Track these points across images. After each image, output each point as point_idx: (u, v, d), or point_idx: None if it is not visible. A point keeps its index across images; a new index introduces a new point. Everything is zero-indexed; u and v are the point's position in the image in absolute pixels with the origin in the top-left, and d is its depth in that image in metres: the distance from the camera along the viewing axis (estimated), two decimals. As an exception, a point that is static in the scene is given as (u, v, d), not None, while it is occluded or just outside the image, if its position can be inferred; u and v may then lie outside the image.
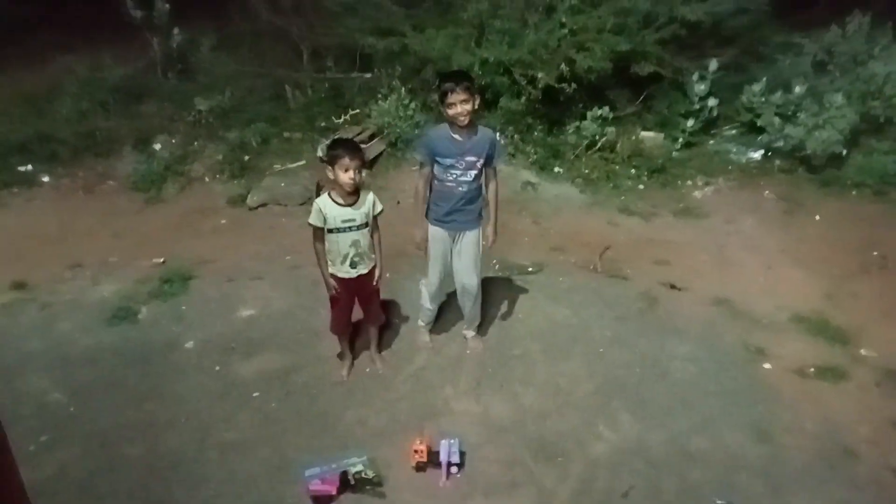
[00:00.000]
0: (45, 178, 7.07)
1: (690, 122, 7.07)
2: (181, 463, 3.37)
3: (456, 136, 3.63)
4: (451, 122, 3.61)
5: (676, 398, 3.88)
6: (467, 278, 4.00)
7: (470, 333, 4.28)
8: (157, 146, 7.49)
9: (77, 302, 4.77)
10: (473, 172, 3.70)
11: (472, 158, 3.66)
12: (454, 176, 3.70)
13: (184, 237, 5.94)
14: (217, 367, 4.08)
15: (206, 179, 7.08)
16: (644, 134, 7.26)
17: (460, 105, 3.51)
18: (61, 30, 9.73)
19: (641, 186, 6.75)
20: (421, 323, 4.31)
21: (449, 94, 3.51)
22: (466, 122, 3.57)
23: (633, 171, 6.89)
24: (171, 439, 3.52)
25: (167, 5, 8.42)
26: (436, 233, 3.90)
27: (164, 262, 5.41)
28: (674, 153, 7.10)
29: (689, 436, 3.60)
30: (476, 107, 3.60)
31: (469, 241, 3.91)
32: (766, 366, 4.21)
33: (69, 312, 4.64)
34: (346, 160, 3.49)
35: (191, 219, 6.33)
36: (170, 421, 3.64)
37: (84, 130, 7.53)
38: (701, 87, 7.03)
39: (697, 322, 4.60)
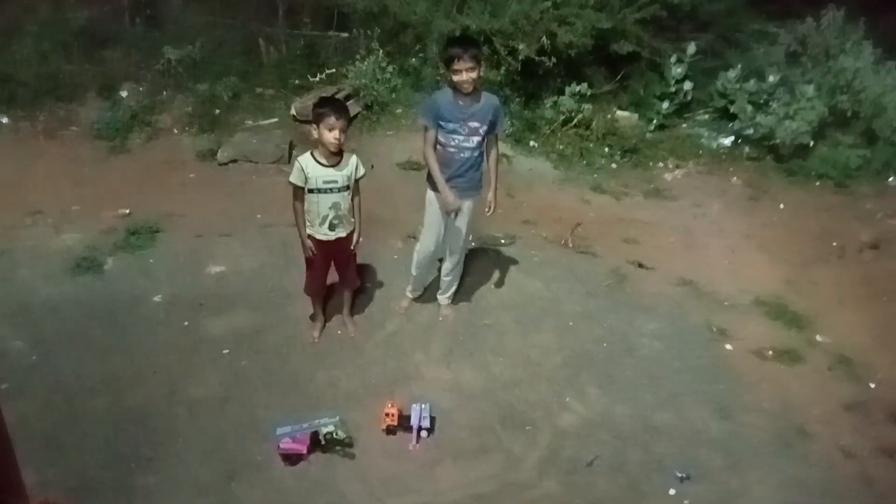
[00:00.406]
0: (4, 120, 6.77)
1: (665, 105, 7.13)
2: (148, 417, 3.33)
3: (460, 102, 3.61)
4: (456, 87, 3.58)
5: (643, 373, 3.98)
6: (455, 242, 4.02)
7: (444, 300, 4.29)
8: (124, 94, 7.22)
9: (38, 250, 4.62)
10: (476, 139, 3.68)
11: (475, 124, 3.65)
12: (456, 141, 3.67)
13: (150, 189, 5.77)
14: (186, 323, 4.02)
15: (175, 131, 6.88)
16: (619, 113, 7.31)
17: (466, 73, 3.49)
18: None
19: (614, 165, 6.81)
20: (408, 291, 4.31)
21: (455, 60, 3.49)
22: (471, 89, 3.55)
23: (606, 149, 6.94)
24: (138, 394, 3.47)
25: (136, -54, 8.06)
26: (434, 198, 3.86)
27: (129, 213, 5.26)
28: (647, 134, 7.16)
29: (653, 410, 3.70)
30: (481, 74, 3.58)
31: (465, 208, 3.90)
32: (728, 346, 4.34)
33: (30, 260, 4.50)
34: (332, 119, 3.44)
35: (157, 171, 6.15)
36: (136, 375, 3.58)
37: (45, 73, 7.20)
38: (678, 70, 7.09)
39: (664, 301, 4.70)
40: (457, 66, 3.49)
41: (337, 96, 6.91)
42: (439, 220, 3.92)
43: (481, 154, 3.79)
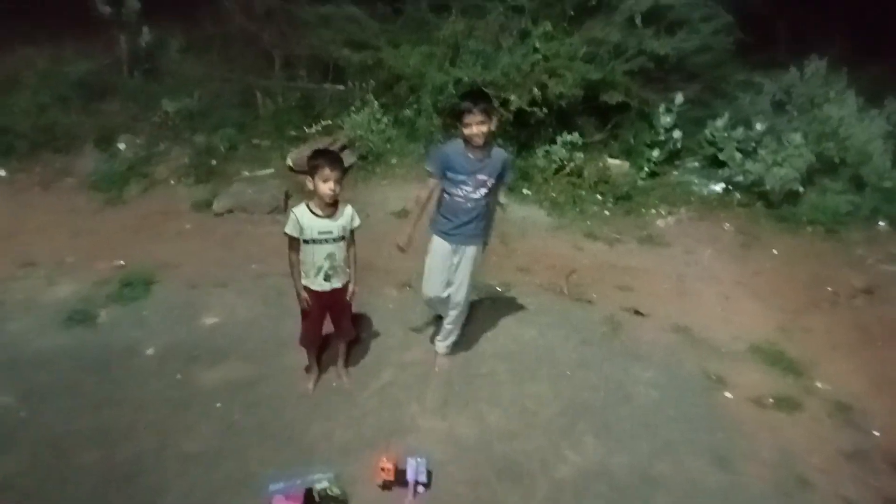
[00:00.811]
0: (1, 172, 6.82)
1: (656, 153, 7.25)
2: (139, 473, 3.26)
3: (470, 155, 3.65)
4: (466, 141, 3.62)
5: (639, 422, 3.94)
6: (458, 291, 4.03)
7: (442, 348, 4.26)
8: (121, 146, 7.32)
9: (30, 302, 4.60)
10: (483, 191, 3.74)
11: (484, 177, 3.70)
12: (464, 192, 3.73)
13: (145, 240, 5.79)
14: (179, 376, 3.98)
15: (171, 182, 6.94)
16: (611, 161, 7.41)
17: (476, 126, 3.53)
18: (25, 21, 9.46)
19: (607, 213, 6.88)
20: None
21: (467, 114, 3.53)
22: (482, 143, 3.59)
23: (599, 196, 7.02)
24: (129, 448, 3.41)
25: (138, 3, 8.26)
26: (439, 245, 3.91)
27: (124, 264, 5.26)
28: (639, 182, 7.26)
29: (651, 460, 3.65)
30: (493, 128, 3.62)
31: (468, 256, 3.94)
32: (727, 394, 4.31)
33: (21, 313, 4.47)
34: (327, 171, 3.47)
35: (153, 221, 6.18)
36: (128, 429, 3.52)
37: (43, 124, 7.33)
38: (667, 119, 7.23)
39: (659, 348, 4.69)
40: (468, 119, 3.53)
41: (332, 147, 7.02)
42: (443, 267, 3.95)
43: (487, 205, 3.85)
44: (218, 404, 3.77)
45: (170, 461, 3.35)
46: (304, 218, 3.58)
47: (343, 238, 3.68)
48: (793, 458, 3.79)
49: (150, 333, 4.33)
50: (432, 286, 4.02)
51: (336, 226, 3.63)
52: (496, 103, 6.95)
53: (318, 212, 3.59)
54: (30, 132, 7.16)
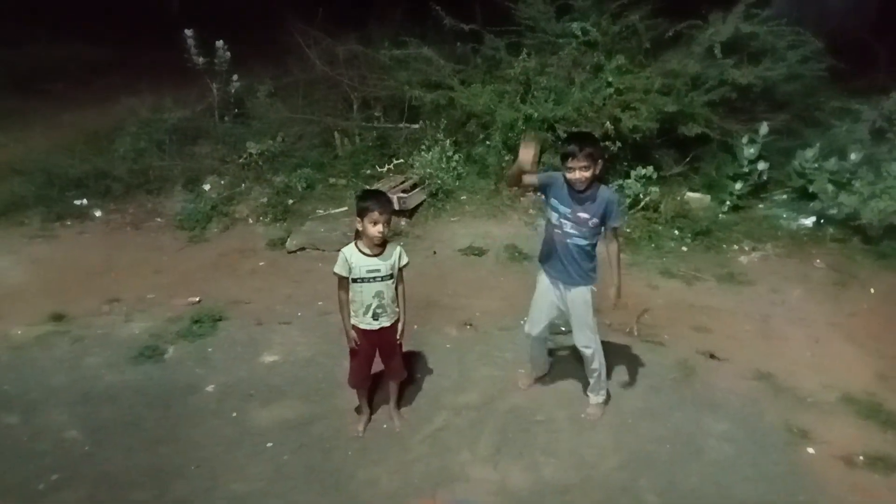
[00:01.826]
0: (98, 213, 7.30)
1: (739, 185, 6.88)
2: (186, 513, 3.31)
3: (573, 192, 3.60)
4: (569, 184, 3.56)
5: (709, 481, 3.63)
6: (578, 339, 3.96)
7: (592, 397, 4.15)
8: (207, 186, 7.69)
9: (108, 337, 4.84)
10: (584, 230, 3.64)
11: (585, 216, 3.61)
12: (564, 227, 3.66)
13: (221, 277, 6.01)
14: (234, 414, 4.04)
15: (250, 221, 7.20)
16: (690, 195, 7.09)
17: (580, 171, 3.48)
18: (129, 73, 10.26)
19: (685, 249, 6.55)
20: (528, 369, 4.34)
21: (571, 158, 3.47)
22: (583, 188, 3.54)
23: (676, 232, 6.71)
24: (180, 487, 3.46)
25: (228, 53, 8.74)
26: (541, 279, 3.94)
27: (199, 301, 5.46)
28: (720, 216, 6.89)
29: (720, 523, 3.35)
30: (597, 172, 3.54)
31: (575, 301, 3.84)
32: (810, 450, 3.92)
33: (99, 348, 4.70)
34: (376, 214, 3.48)
35: (230, 259, 6.41)
36: (180, 467, 3.59)
37: (138, 168, 7.81)
38: (751, 151, 6.86)
39: (737, 397, 4.35)
40: (571, 164, 3.48)
41: (404, 185, 7.12)
42: (544, 299, 3.92)
43: (590, 246, 3.73)
44: (269, 444, 3.78)
45: (217, 502, 3.37)
46: (352, 257, 3.60)
47: (392, 276, 3.67)
48: (886, 528, 3.38)
49: (212, 370, 4.44)
50: (532, 322, 4.03)
51: (384, 265, 3.62)
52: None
53: (367, 251, 3.60)
54: (126, 176, 7.64)
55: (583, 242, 3.69)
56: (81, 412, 4.02)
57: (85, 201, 7.40)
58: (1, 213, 7.03)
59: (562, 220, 3.65)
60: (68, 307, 5.29)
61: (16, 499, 3.42)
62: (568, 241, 3.67)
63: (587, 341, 3.94)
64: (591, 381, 4.10)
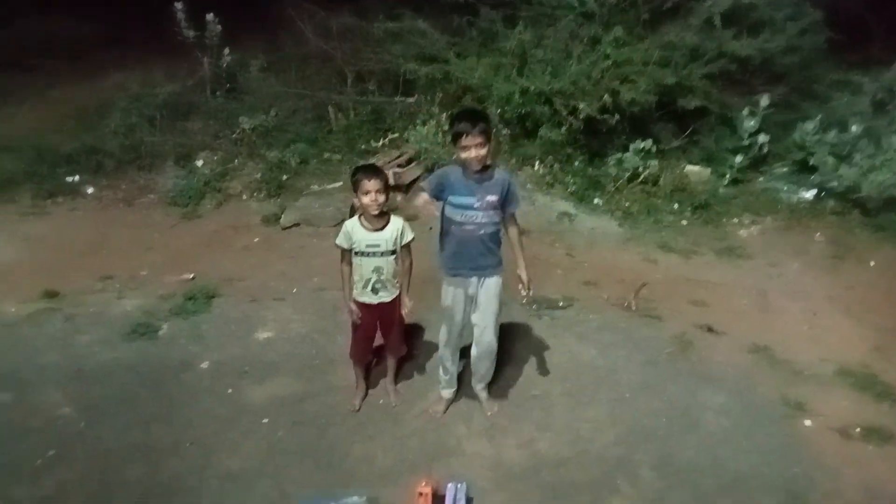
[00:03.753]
0: (90, 190, 7.22)
1: (739, 158, 6.83)
2: (179, 491, 3.28)
3: (472, 177, 3.38)
4: (463, 165, 3.37)
5: (706, 454, 3.62)
6: (485, 333, 3.66)
7: (482, 391, 3.91)
8: (199, 162, 7.59)
9: (100, 315, 4.78)
10: (493, 213, 3.43)
11: (492, 198, 3.39)
12: (474, 218, 3.40)
13: (215, 254, 5.95)
14: (229, 391, 4.00)
15: (244, 197, 7.13)
16: (689, 168, 7.04)
17: (475, 149, 3.26)
18: (118, 48, 10.08)
19: (683, 222, 6.51)
20: (442, 391, 3.90)
21: (464, 135, 3.26)
22: (479, 167, 3.32)
23: (675, 206, 6.67)
24: (173, 465, 3.44)
25: (219, 27, 8.58)
26: (451, 289, 3.59)
27: (193, 277, 5.41)
28: (720, 189, 6.85)
29: (716, 497, 3.33)
30: (489, 151, 3.34)
31: (490, 291, 3.58)
32: (807, 423, 3.91)
33: (91, 325, 4.65)
34: (366, 182, 3.44)
35: (224, 235, 6.36)
36: (174, 445, 3.56)
37: (130, 144, 7.70)
38: (750, 123, 6.80)
39: (733, 370, 4.34)
40: (465, 142, 3.25)
41: (399, 159, 7.04)
42: (461, 310, 3.62)
43: (499, 231, 3.53)
44: (264, 421, 3.75)
45: (210, 480, 3.35)
46: (354, 230, 3.57)
47: (392, 252, 3.61)
48: (881, 499, 3.37)
49: (206, 347, 4.40)
50: (451, 338, 3.70)
51: (384, 239, 3.57)
52: (564, 111, 6.78)
53: (368, 225, 3.56)
54: (117, 152, 7.54)
55: (494, 229, 3.47)
56: (74, 390, 3.98)
57: (76, 178, 7.32)
58: (-8, 190, 6.94)
59: (470, 213, 3.39)
60: (61, 284, 5.23)
61: (12, 475, 3.39)
62: (480, 232, 3.43)
63: (495, 334, 3.69)
64: (480, 371, 3.82)
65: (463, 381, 3.99)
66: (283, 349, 4.39)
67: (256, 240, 6.27)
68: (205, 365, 4.24)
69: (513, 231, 3.61)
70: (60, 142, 7.61)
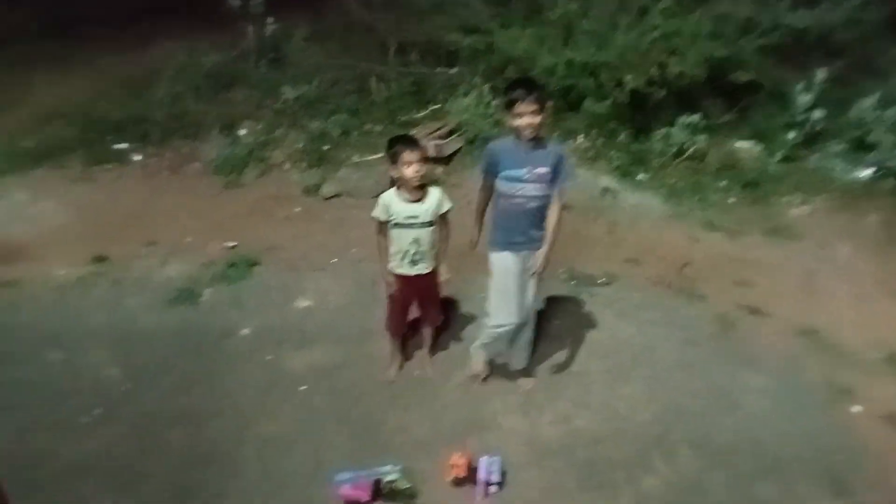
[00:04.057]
0: (136, 157, 7.34)
1: (791, 135, 6.57)
2: (219, 454, 3.37)
3: (522, 147, 3.30)
4: (516, 134, 3.30)
5: (745, 436, 3.55)
6: (525, 306, 3.61)
7: (519, 369, 3.91)
8: (243, 132, 7.64)
9: (145, 280, 4.90)
10: (544, 186, 3.34)
11: (543, 170, 3.30)
12: (524, 190, 3.34)
13: (257, 223, 6.02)
14: (268, 357, 4.08)
15: (286, 167, 7.16)
16: (739, 145, 6.81)
17: (529, 117, 3.18)
18: (165, 17, 10.18)
19: (731, 200, 6.32)
20: (482, 351, 3.85)
21: (518, 102, 3.18)
22: (531, 135, 3.24)
23: (722, 183, 6.47)
24: (213, 428, 3.53)
25: (264, -5, 8.59)
26: (506, 261, 3.48)
27: (235, 245, 5.49)
28: (770, 167, 6.61)
29: (754, 480, 3.29)
30: (543, 121, 3.25)
31: (533, 265, 3.53)
32: (854, 409, 3.81)
33: (136, 290, 4.77)
34: (407, 154, 3.42)
35: (266, 205, 6.41)
36: (215, 409, 3.65)
37: (176, 113, 7.79)
38: (805, 99, 6.52)
39: (777, 352, 4.23)
40: (519, 108, 3.18)
41: (440, 131, 6.98)
42: (514, 285, 3.51)
43: (547, 206, 3.44)
44: (302, 388, 3.82)
45: (248, 444, 3.43)
46: (392, 203, 3.55)
47: (431, 223, 3.60)
48: (929, 490, 3.27)
49: (246, 315, 4.47)
50: (509, 312, 3.54)
51: (423, 210, 3.56)
52: (610, 84, 6.61)
53: (406, 196, 3.54)
54: (163, 120, 7.64)
55: (544, 202, 3.39)
56: (120, 352, 4.10)
57: (124, 145, 7.44)
58: (44, 156, 7.11)
59: (519, 185, 3.33)
60: (108, 249, 5.37)
61: (62, 431, 3.53)
62: (529, 205, 3.37)
63: (534, 307, 3.67)
64: (520, 352, 3.80)
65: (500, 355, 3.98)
66: (321, 318, 4.44)
67: (297, 210, 6.32)
68: (245, 332, 4.31)
69: (554, 208, 3.47)
70: (109, 110, 7.74)
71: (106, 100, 8.00)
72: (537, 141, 3.30)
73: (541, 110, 3.21)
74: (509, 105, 3.25)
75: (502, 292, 3.55)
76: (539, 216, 3.43)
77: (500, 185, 3.40)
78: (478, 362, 3.89)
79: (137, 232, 5.80)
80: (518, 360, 3.87)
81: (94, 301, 4.65)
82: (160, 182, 6.92)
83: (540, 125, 3.24)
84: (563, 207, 3.54)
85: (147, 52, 9.23)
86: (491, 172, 3.42)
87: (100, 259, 5.25)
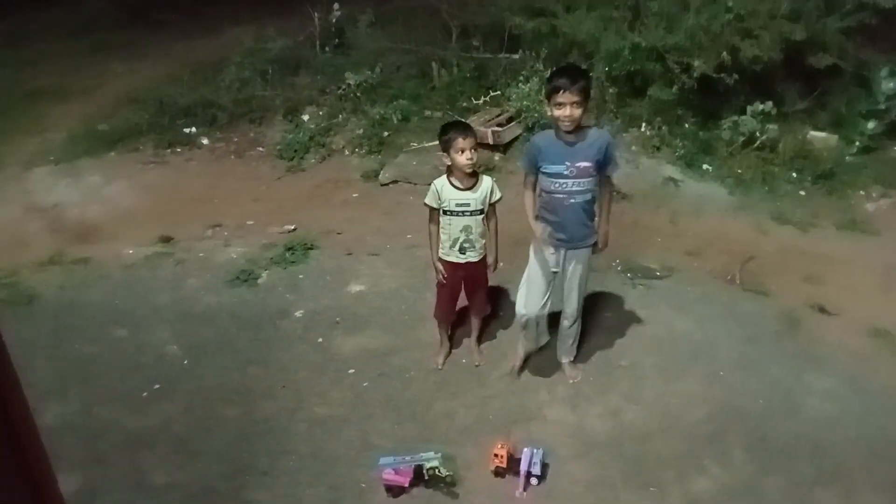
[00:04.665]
0: (204, 141, 7.57)
1: (872, 124, 6.20)
2: (270, 432, 3.46)
3: (564, 141, 3.22)
4: (556, 124, 3.21)
5: (806, 440, 3.39)
6: (570, 304, 3.62)
7: (566, 361, 3.85)
8: (305, 117, 7.78)
9: (208, 261, 5.05)
10: (587, 181, 3.28)
11: (585, 164, 3.22)
12: (565, 186, 3.28)
13: (316, 207, 6.12)
14: (320, 339, 4.15)
15: (346, 152, 7.24)
16: (813, 134, 6.47)
17: (571, 108, 3.08)
18: (234, 3, 10.44)
19: (802, 192, 6.03)
20: (519, 347, 3.84)
21: (561, 91, 3.07)
22: (572, 127, 3.15)
23: (794, 174, 6.17)
24: (266, 407, 3.62)
25: (331, -20, 8.68)
26: (541, 254, 3.47)
27: (294, 229, 5.60)
28: (847, 157, 6.26)
29: (813, 487, 3.14)
30: (585, 112, 3.16)
31: (578, 263, 3.50)
32: (926, 416, 3.58)
33: (199, 270, 4.93)
34: (460, 140, 3.42)
35: (325, 189, 6.51)
36: (268, 388, 3.74)
37: (242, 98, 7.98)
38: (890, 85, 6.14)
39: (846, 353, 4.02)
40: (561, 98, 3.07)
41: (499, 118, 6.91)
42: (542, 276, 3.50)
43: (594, 199, 3.39)
44: (351, 371, 3.87)
45: (299, 423, 3.50)
46: (443, 189, 3.57)
47: (481, 211, 3.59)
48: None
49: (301, 297, 4.56)
50: (532, 302, 3.54)
51: (474, 198, 3.55)
52: (677, 69, 6.38)
53: (458, 184, 3.55)
54: (230, 105, 7.84)
55: (588, 197, 3.32)
56: (181, 330, 4.25)
57: (193, 129, 7.68)
58: (118, 139, 7.42)
59: (560, 181, 3.26)
60: (174, 230, 5.57)
61: (123, 404, 3.70)
62: (572, 200, 3.29)
63: (578, 305, 3.61)
64: (565, 343, 3.77)
65: (549, 346, 3.92)
66: (373, 303, 4.48)
67: (355, 195, 6.39)
68: (299, 313, 4.40)
69: (605, 192, 3.44)
70: (180, 95, 7.98)
71: (177, 85, 8.25)
72: (578, 132, 3.21)
73: (584, 101, 3.11)
74: (551, 94, 3.14)
75: (529, 283, 3.57)
76: (584, 212, 3.36)
77: (542, 180, 3.35)
78: (515, 354, 3.85)
79: (203, 214, 6.00)
80: (563, 352, 3.82)
81: (159, 280, 4.83)
82: (226, 165, 7.12)
83: (581, 117, 3.14)
84: (623, 196, 3.45)
85: (217, 38, 9.49)
86: (533, 167, 3.35)
87: (166, 239, 5.45)
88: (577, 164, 3.23)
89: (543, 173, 3.31)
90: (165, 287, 4.74)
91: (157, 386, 3.79)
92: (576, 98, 3.08)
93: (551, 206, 3.37)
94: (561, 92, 3.08)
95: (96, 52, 9.70)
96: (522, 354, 3.83)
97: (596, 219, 3.49)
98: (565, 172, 3.25)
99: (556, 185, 3.29)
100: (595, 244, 3.51)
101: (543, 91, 3.32)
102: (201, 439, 3.42)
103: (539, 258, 3.50)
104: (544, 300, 3.59)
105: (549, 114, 3.24)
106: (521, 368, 3.84)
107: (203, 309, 4.47)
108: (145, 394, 3.74)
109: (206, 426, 3.50)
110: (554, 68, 3.35)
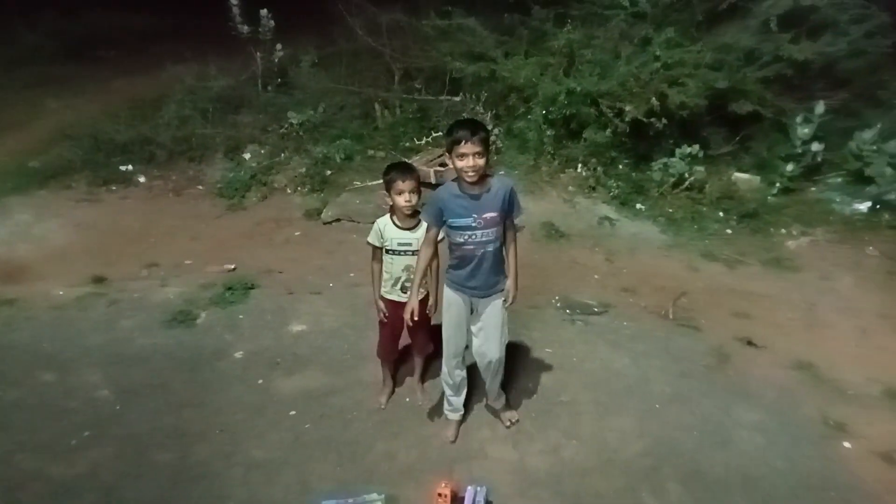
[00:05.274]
0: (141, 179, 7.44)
1: (790, 167, 6.60)
2: (206, 477, 3.35)
3: (468, 193, 3.22)
4: (459, 176, 3.22)
5: (737, 472, 3.50)
6: (490, 353, 3.53)
7: (499, 406, 3.81)
8: (247, 155, 7.74)
9: (143, 301, 4.92)
10: (494, 230, 3.29)
11: (492, 214, 3.24)
12: (474, 237, 3.27)
13: (257, 246, 6.07)
14: (260, 381, 4.07)
15: (288, 191, 7.23)
16: (738, 175, 6.84)
17: (473, 158, 3.10)
18: (176, 42, 10.37)
19: (729, 231, 6.33)
20: (448, 413, 3.74)
21: (463, 142, 3.09)
22: (476, 178, 3.15)
23: (721, 213, 6.49)
24: (202, 450, 3.52)
25: (272, 22, 8.75)
26: (452, 298, 3.47)
27: (234, 268, 5.52)
28: (769, 198, 6.63)
29: (745, 517, 3.24)
30: (487, 162, 3.19)
31: (493, 311, 3.47)
32: (846, 444, 3.75)
33: (134, 311, 4.79)
34: (400, 183, 3.47)
35: (266, 228, 6.47)
36: (203, 432, 3.64)
37: (182, 135, 7.90)
38: (805, 131, 6.56)
39: (772, 386, 4.19)
40: (463, 149, 3.09)
41: (442, 158, 7.03)
42: (457, 323, 3.50)
43: (502, 246, 3.42)
44: (291, 413, 3.81)
45: (236, 467, 3.41)
46: (386, 228, 3.61)
47: None
48: (923, 530, 3.22)
49: (240, 337, 4.49)
50: (453, 348, 3.56)
51: (415, 238, 3.59)
52: (610, 113, 6.66)
53: (400, 223, 3.58)
54: (169, 143, 7.75)
55: (497, 245, 3.34)
56: (113, 373, 4.11)
57: (130, 167, 7.54)
58: (50, 176, 7.21)
59: (469, 233, 3.26)
60: (108, 270, 5.42)
61: (50, 453, 3.53)
62: (481, 251, 3.31)
63: (501, 353, 3.56)
64: (493, 391, 3.74)
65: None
66: (314, 343, 4.44)
67: (297, 233, 6.37)
68: (238, 354, 4.32)
69: (510, 236, 3.45)
70: (117, 131, 7.84)
71: (114, 122, 8.11)
72: (482, 183, 3.23)
73: (485, 152, 3.14)
74: (453, 146, 3.15)
75: (447, 329, 3.55)
76: (494, 259, 3.38)
77: (450, 234, 3.34)
78: (450, 425, 3.73)
79: (138, 253, 5.87)
80: (492, 399, 3.81)
81: (90, 322, 4.67)
82: (163, 204, 7.00)
83: (482, 167, 3.16)
84: (517, 234, 3.52)
85: (157, 75, 9.39)
86: (438, 220, 3.33)
87: (99, 279, 5.29)
88: (485, 216, 3.24)
89: (451, 227, 3.30)
90: (97, 329, 4.58)
91: (86, 433, 3.63)
92: (477, 148, 3.10)
93: (465, 260, 3.37)
94: (463, 143, 3.09)
95: (30, 87, 9.46)
96: (457, 419, 3.74)
97: (505, 266, 3.48)
98: (473, 224, 3.25)
99: (465, 237, 3.29)
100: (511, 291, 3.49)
101: (445, 145, 3.31)
102: (132, 487, 3.29)
103: (455, 308, 3.48)
104: (461, 345, 3.57)
105: (453, 167, 3.25)
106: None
107: (137, 351, 4.34)
108: (73, 441, 3.58)
109: (138, 473, 3.37)
110: (453, 122, 3.40)
